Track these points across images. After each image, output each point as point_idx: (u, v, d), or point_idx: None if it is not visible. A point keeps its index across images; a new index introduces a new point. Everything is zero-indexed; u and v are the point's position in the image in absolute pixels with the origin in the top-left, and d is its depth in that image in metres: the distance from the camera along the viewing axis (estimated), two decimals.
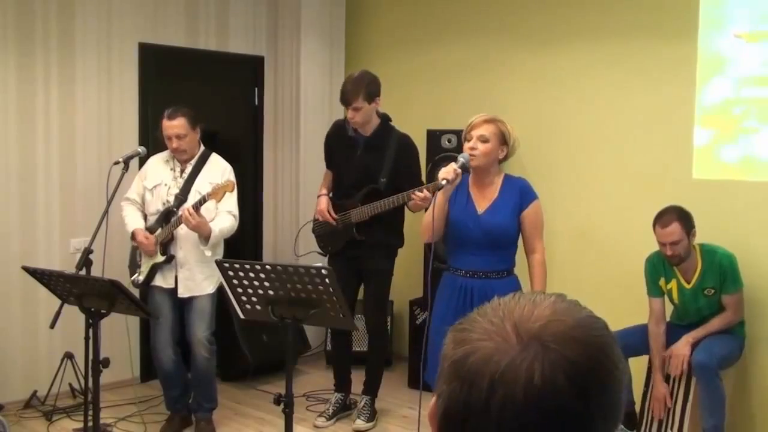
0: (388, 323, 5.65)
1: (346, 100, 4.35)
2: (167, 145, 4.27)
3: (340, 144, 4.61)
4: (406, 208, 4.52)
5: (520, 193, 3.51)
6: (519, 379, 0.78)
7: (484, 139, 3.47)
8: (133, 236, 4.27)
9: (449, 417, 0.82)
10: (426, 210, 3.64)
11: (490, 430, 0.79)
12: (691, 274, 4.01)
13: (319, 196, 4.67)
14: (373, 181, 4.44)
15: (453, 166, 3.40)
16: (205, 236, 4.12)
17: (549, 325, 0.81)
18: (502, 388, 0.78)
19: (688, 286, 4.03)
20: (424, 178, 4.74)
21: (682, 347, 3.95)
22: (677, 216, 3.89)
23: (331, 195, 4.65)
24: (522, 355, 0.79)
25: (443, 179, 3.36)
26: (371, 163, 4.46)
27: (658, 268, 4.09)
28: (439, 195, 3.44)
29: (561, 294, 0.88)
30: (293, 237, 5.43)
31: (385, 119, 4.53)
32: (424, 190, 3.93)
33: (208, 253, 4.16)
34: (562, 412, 0.78)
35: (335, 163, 4.67)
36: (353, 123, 4.44)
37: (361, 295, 4.75)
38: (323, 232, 4.67)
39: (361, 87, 4.31)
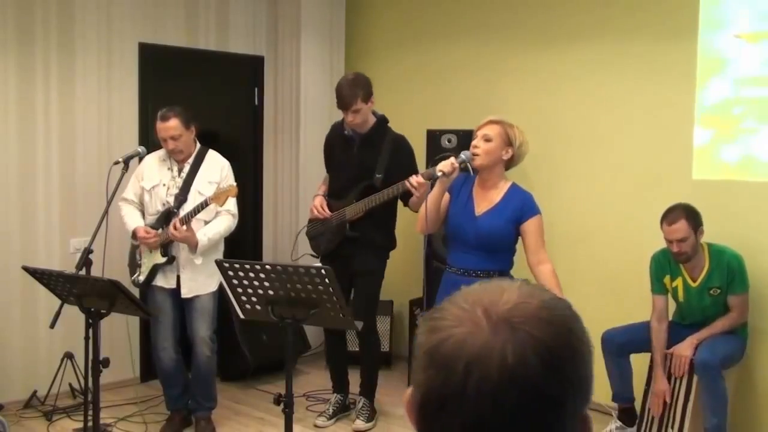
0: (388, 323, 5.67)
1: (345, 104, 4.36)
2: (163, 146, 4.29)
3: (338, 144, 4.63)
4: (398, 209, 4.54)
5: (522, 205, 3.50)
6: (493, 360, 0.80)
7: (487, 138, 3.48)
8: (133, 235, 4.27)
9: (427, 404, 0.84)
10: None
11: (468, 412, 0.81)
12: (698, 272, 4.02)
13: (315, 196, 4.69)
14: (368, 177, 4.45)
15: (451, 159, 3.44)
16: (192, 247, 4.15)
17: (517, 307, 0.84)
18: (477, 370, 0.80)
19: (694, 285, 4.03)
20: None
21: (686, 348, 3.95)
22: (684, 213, 3.91)
23: (326, 196, 4.65)
24: (494, 337, 0.82)
25: (439, 171, 3.39)
26: (366, 160, 4.47)
27: (664, 265, 4.09)
28: (436, 187, 3.46)
29: (525, 280, 0.92)
30: (293, 237, 5.43)
31: (382, 119, 4.55)
32: (419, 176, 3.97)
33: (198, 261, 4.20)
34: (535, 389, 0.81)
35: (334, 163, 4.68)
36: (353, 125, 4.45)
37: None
38: (317, 233, 4.65)
39: (359, 89, 4.34)
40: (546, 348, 0.81)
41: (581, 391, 0.84)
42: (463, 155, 3.48)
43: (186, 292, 4.25)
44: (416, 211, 4.44)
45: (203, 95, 5.50)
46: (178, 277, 4.26)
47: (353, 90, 4.33)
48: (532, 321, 0.83)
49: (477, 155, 3.47)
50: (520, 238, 3.58)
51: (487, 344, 0.81)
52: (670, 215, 3.93)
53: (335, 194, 4.60)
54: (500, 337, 0.81)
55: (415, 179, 3.92)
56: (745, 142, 4.23)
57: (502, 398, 0.80)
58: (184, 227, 4.06)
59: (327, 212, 4.52)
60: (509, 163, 3.56)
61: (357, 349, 4.95)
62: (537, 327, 0.82)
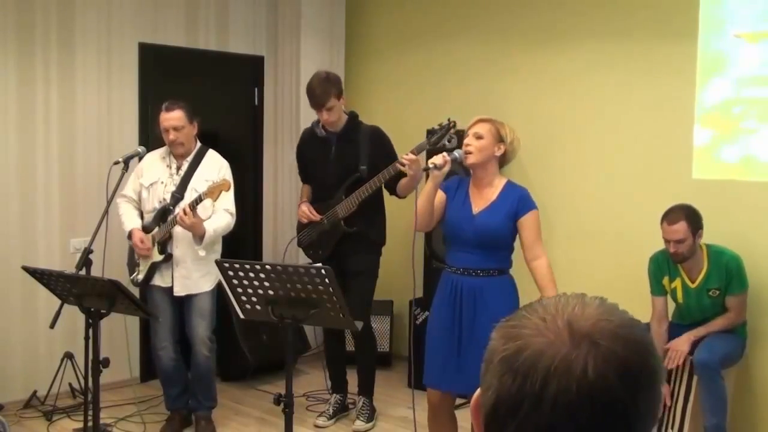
0: (388, 323, 5.67)
1: (319, 102, 4.35)
2: (164, 138, 4.27)
3: (312, 149, 4.61)
4: (389, 207, 4.53)
5: (518, 201, 3.50)
6: (573, 373, 0.81)
7: (478, 136, 3.50)
8: (130, 236, 4.27)
9: (499, 409, 0.85)
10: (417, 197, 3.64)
11: (541, 421, 0.82)
12: (696, 273, 4.02)
13: (299, 205, 4.68)
14: (352, 173, 4.44)
15: (444, 153, 3.46)
16: (199, 236, 4.12)
17: (598, 324, 0.85)
18: (555, 381, 0.81)
19: (692, 286, 4.03)
20: None
21: (682, 343, 3.96)
22: (685, 215, 3.91)
23: (310, 202, 4.63)
24: (575, 351, 0.83)
25: (431, 164, 3.40)
26: (347, 156, 4.47)
27: (663, 266, 4.09)
28: (429, 182, 3.48)
29: (602, 297, 0.92)
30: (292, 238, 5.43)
31: (353, 115, 4.56)
32: (409, 153, 3.96)
33: (202, 253, 4.17)
34: (612, 406, 0.82)
35: (311, 169, 4.66)
36: (327, 123, 4.45)
37: None
38: (311, 240, 4.63)
39: (331, 87, 4.35)
40: (626, 366, 0.83)
41: (653, 411, 0.86)
42: (456, 153, 3.49)
43: (179, 290, 4.24)
44: (404, 197, 4.46)
45: (203, 95, 5.49)
46: (173, 276, 4.25)
47: (326, 87, 4.34)
48: (613, 339, 0.84)
49: (470, 153, 3.48)
50: (518, 235, 3.58)
51: (568, 357, 0.82)
52: (671, 215, 3.94)
53: (320, 198, 4.58)
54: (582, 352, 0.82)
55: (405, 156, 3.93)
56: (745, 142, 4.23)
57: (579, 411, 0.81)
58: (192, 213, 4.01)
59: (317, 215, 4.52)
60: (502, 160, 3.57)
61: (352, 348, 4.95)
62: (619, 345, 0.84)
